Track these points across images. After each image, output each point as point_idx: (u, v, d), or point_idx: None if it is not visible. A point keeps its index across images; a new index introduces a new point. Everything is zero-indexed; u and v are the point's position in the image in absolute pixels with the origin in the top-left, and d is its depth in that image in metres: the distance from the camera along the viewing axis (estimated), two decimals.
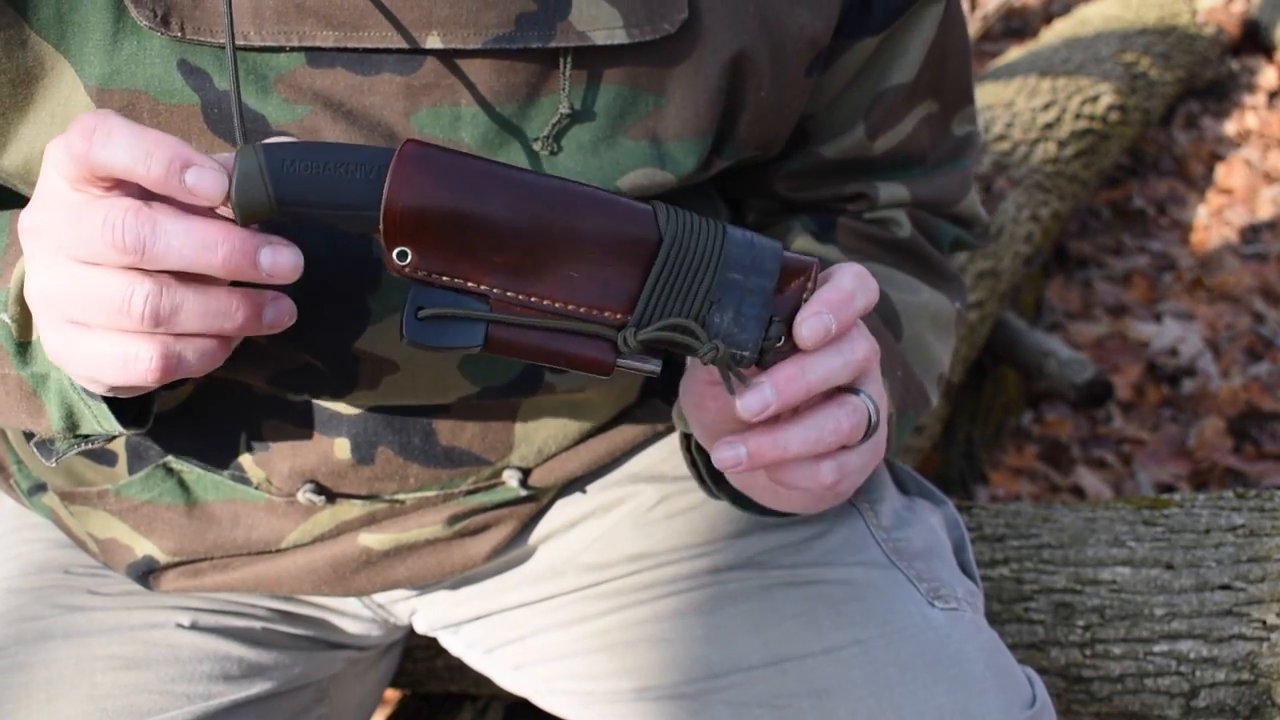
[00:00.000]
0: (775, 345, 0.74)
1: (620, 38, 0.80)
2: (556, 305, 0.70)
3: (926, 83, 0.96)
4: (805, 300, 0.75)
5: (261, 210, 0.66)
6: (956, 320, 1.04)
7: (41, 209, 0.68)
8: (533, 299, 0.70)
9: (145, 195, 0.67)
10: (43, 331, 0.70)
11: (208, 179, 0.65)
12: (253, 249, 0.66)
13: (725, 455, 0.76)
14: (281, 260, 0.67)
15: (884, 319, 0.95)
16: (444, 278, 0.69)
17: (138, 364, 0.67)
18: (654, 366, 0.73)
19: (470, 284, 0.69)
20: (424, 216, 0.67)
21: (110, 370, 0.68)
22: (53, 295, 0.67)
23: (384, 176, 0.67)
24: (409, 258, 0.68)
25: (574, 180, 0.71)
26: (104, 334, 0.67)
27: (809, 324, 0.73)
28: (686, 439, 0.89)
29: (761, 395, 0.73)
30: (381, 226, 0.67)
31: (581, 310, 0.71)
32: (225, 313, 0.68)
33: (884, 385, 0.88)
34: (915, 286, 1.00)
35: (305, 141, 0.67)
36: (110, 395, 0.74)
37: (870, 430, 0.78)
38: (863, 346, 0.76)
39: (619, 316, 0.71)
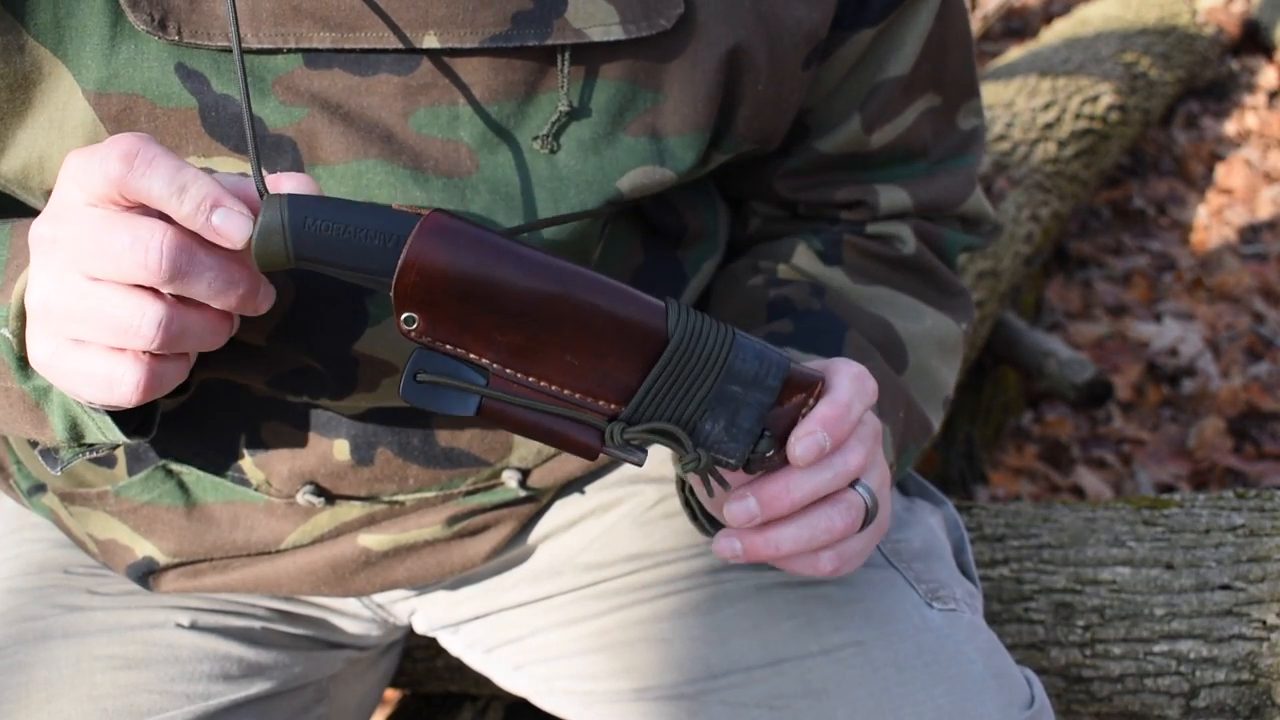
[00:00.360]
0: (764, 457, 0.75)
1: (617, 34, 0.80)
2: (553, 388, 0.71)
3: (926, 75, 0.96)
4: (803, 415, 0.75)
5: (278, 261, 0.68)
6: (963, 339, 1.03)
7: (56, 221, 0.68)
8: (530, 379, 0.71)
9: (163, 219, 0.68)
10: (32, 340, 0.71)
11: (234, 223, 0.66)
12: (259, 288, 0.70)
13: (722, 547, 0.77)
14: (269, 299, 0.72)
15: (889, 352, 0.96)
16: (447, 346, 0.70)
17: (121, 386, 0.68)
18: (638, 458, 0.74)
19: (472, 355, 0.70)
20: (434, 289, 0.68)
21: (91, 388, 0.69)
22: (56, 307, 0.68)
23: (402, 246, 0.68)
24: (416, 324, 0.69)
25: (591, 269, 0.72)
26: (96, 352, 0.68)
27: (803, 444, 0.74)
28: (681, 482, 0.89)
29: (746, 508, 0.75)
30: (392, 293, 0.68)
31: (577, 396, 0.72)
32: (217, 333, 0.71)
33: (886, 434, 0.90)
34: (920, 312, 1.00)
35: (331, 199, 0.69)
36: (124, 407, 0.75)
37: (868, 519, 0.79)
38: (856, 456, 0.76)
39: (613, 407, 0.72)
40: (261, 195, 0.68)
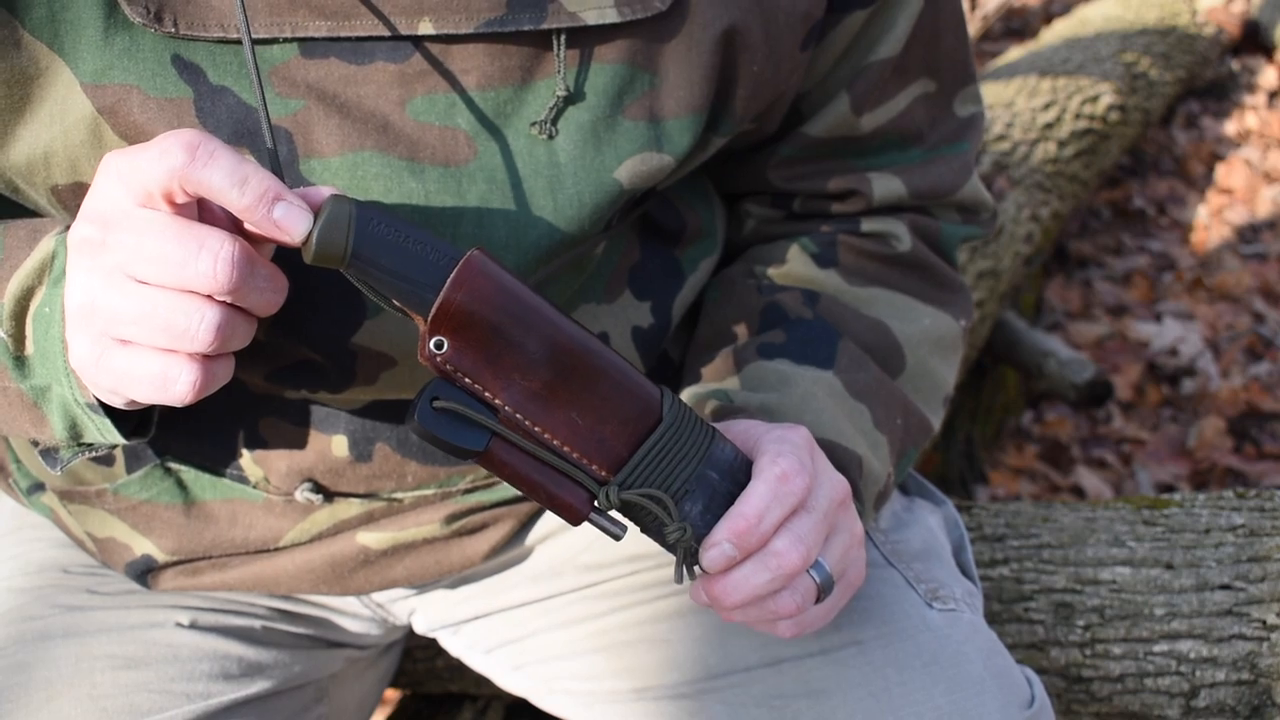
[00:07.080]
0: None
1: (611, 17, 0.80)
2: (555, 442, 0.75)
3: (920, 60, 0.95)
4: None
5: (334, 257, 0.69)
6: (962, 336, 1.03)
7: (103, 223, 0.68)
8: (536, 428, 0.74)
9: (204, 217, 0.69)
10: (72, 339, 0.71)
11: (294, 216, 0.68)
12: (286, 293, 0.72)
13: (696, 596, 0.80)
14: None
15: (885, 356, 0.96)
16: (467, 379, 0.73)
17: (177, 385, 0.69)
18: (619, 531, 0.78)
19: (487, 394, 0.73)
20: (473, 317, 0.71)
21: (143, 388, 0.69)
22: (103, 310, 0.68)
23: (454, 265, 0.70)
24: (444, 348, 0.72)
25: (608, 346, 0.76)
26: (146, 353, 0.69)
27: (709, 555, 0.77)
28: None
29: (700, 598, 0.80)
30: (433, 311, 0.70)
31: (575, 455, 0.75)
32: (251, 333, 0.72)
33: (883, 445, 0.91)
34: (918, 311, 0.99)
35: (392, 210, 0.71)
36: (124, 408, 0.75)
37: (822, 596, 0.81)
38: (793, 558, 0.77)
39: (604, 473, 0.76)
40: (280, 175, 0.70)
